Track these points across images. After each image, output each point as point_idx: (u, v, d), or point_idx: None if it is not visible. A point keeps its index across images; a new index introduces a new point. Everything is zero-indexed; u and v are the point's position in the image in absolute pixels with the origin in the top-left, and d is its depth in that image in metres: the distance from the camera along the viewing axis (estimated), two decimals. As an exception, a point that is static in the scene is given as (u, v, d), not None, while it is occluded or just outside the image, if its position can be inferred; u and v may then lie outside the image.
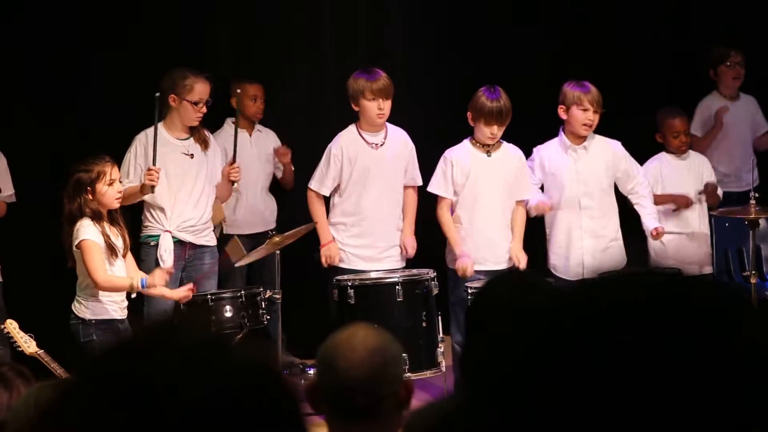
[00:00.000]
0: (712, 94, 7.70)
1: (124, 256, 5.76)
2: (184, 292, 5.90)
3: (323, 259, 6.52)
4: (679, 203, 6.91)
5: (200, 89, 6.31)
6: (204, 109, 6.34)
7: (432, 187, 6.54)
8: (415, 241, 6.56)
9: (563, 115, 6.54)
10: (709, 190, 6.98)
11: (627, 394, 0.91)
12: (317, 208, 6.57)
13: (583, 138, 6.56)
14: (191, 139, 6.43)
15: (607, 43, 7.80)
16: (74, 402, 1.06)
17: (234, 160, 6.58)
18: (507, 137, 6.53)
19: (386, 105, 6.43)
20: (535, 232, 6.64)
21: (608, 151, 6.63)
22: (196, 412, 1.02)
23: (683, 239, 6.96)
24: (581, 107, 6.48)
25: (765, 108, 7.78)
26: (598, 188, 6.60)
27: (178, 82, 6.30)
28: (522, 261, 6.42)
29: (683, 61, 7.95)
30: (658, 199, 6.86)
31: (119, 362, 1.07)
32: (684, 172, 6.95)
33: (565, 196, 6.54)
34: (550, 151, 6.62)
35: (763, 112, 7.78)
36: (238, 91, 6.86)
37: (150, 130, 6.25)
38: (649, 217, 6.66)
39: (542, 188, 6.67)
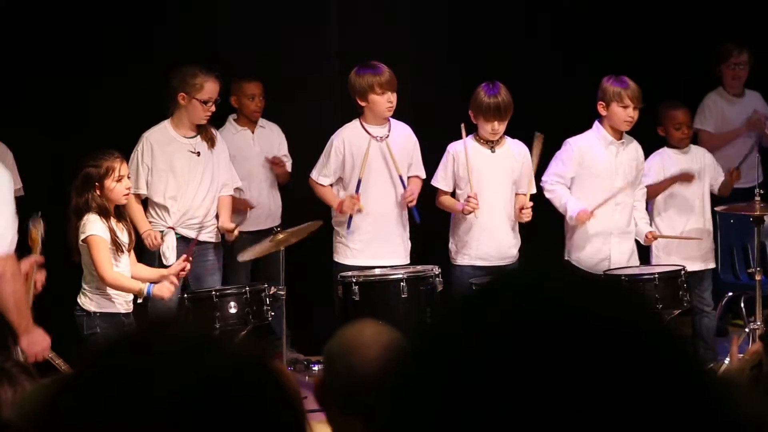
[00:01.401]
0: (717, 90, 7.70)
1: (129, 251, 5.77)
2: (177, 266, 5.88)
3: (347, 208, 6.42)
4: (681, 180, 6.86)
5: (210, 88, 6.33)
6: (213, 108, 6.36)
7: (434, 180, 6.56)
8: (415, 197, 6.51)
9: (603, 111, 6.53)
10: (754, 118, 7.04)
11: (526, 391, 0.92)
12: (320, 189, 6.56)
13: (621, 133, 6.57)
14: (198, 137, 6.44)
15: (613, 40, 7.78)
16: (65, 399, 1.07)
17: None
18: (518, 135, 6.54)
19: (394, 97, 6.45)
20: (552, 224, 6.62)
21: (639, 151, 6.68)
22: (185, 404, 1.03)
23: (685, 236, 6.94)
24: (621, 104, 6.48)
25: None
26: (631, 185, 6.61)
27: (189, 80, 6.31)
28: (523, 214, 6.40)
29: (690, 56, 7.94)
30: (659, 187, 6.84)
31: (112, 358, 1.07)
32: (686, 166, 6.92)
33: (601, 190, 6.51)
34: (587, 143, 6.59)
35: None
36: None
37: (158, 127, 6.29)
38: (643, 221, 6.68)
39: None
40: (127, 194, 5.75)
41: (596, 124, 6.60)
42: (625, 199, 6.61)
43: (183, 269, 5.88)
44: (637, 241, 6.73)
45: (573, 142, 6.59)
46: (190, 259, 5.93)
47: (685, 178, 6.85)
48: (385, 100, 6.41)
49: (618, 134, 6.59)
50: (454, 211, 6.55)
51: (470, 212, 6.40)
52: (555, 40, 7.80)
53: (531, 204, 6.47)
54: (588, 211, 6.46)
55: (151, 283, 5.73)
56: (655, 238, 6.69)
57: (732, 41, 7.68)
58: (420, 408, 0.96)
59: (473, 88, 6.50)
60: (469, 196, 6.39)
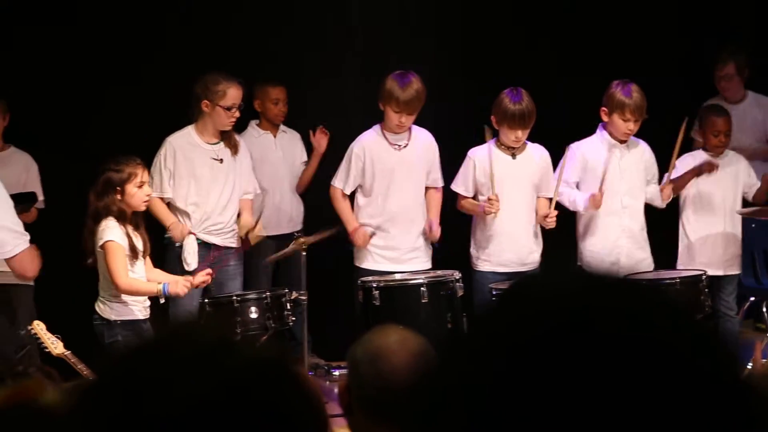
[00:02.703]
0: (717, 96, 7.52)
1: (144, 257, 5.78)
2: (202, 277, 5.91)
3: (358, 242, 6.46)
4: (704, 170, 6.76)
5: (233, 94, 6.34)
6: (237, 114, 6.37)
7: (454, 185, 6.56)
8: (440, 228, 6.53)
9: (605, 117, 6.50)
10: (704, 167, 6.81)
11: (565, 393, 0.92)
12: (340, 203, 6.56)
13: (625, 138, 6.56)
14: (221, 143, 6.45)
15: (622, 42, 7.74)
16: (85, 407, 1.07)
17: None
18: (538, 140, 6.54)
19: (408, 120, 6.43)
20: (566, 229, 6.61)
21: (646, 152, 6.63)
22: (205, 410, 1.03)
23: (710, 240, 6.90)
24: (623, 117, 6.44)
25: None
26: (638, 188, 6.58)
27: (211, 87, 6.32)
28: (548, 221, 6.36)
29: (692, 61, 7.83)
30: (682, 182, 6.77)
31: (131, 365, 1.07)
32: (719, 171, 6.87)
33: (607, 194, 6.47)
34: (590, 147, 6.56)
35: None
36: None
37: (181, 132, 6.31)
38: (653, 188, 6.60)
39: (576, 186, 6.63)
40: (147, 201, 5.76)
41: (599, 127, 6.58)
42: (633, 202, 6.58)
43: (204, 281, 5.91)
44: (655, 244, 6.69)
45: (576, 146, 6.58)
46: (213, 275, 5.96)
47: (708, 168, 6.74)
48: (396, 119, 6.39)
49: (622, 139, 6.56)
50: (475, 213, 6.54)
51: (491, 213, 6.38)
52: (571, 44, 7.78)
53: (556, 212, 6.45)
54: (596, 194, 6.41)
55: (165, 282, 5.74)
56: (671, 185, 6.56)
57: (725, 50, 7.47)
58: (453, 417, 0.95)
59: (493, 92, 6.49)
60: (489, 198, 6.38)
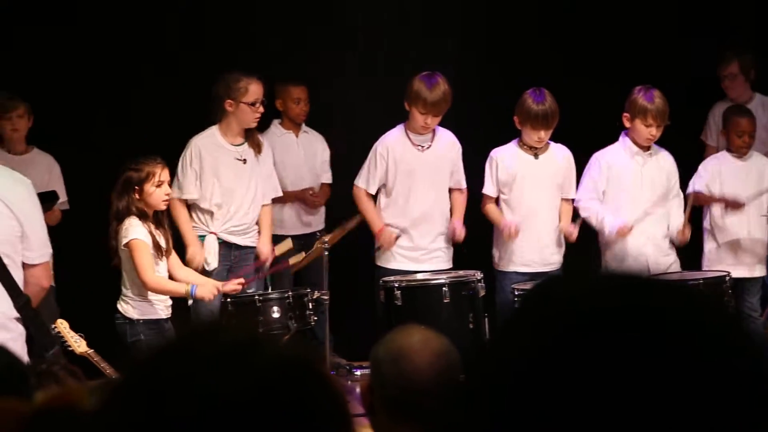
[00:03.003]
0: (724, 99, 7.40)
1: (167, 256, 5.80)
2: (233, 285, 5.93)
3: (383, 245, 6.46)
4: (729, 206, 6.76)
5: (255, 90, 6.34)
6: (261, 110, 6.37)
7: (484, 188, 6.54)
8: (464, 230, 6.53)
9: (627, 123, 6.47)
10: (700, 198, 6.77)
11: (600, 392, 0.91)
12: (365, 204, 6.56)
13: (648, 145, 6.53)
14: (245, 144, 6.45)
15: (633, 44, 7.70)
16: (109, 407, 1.07)
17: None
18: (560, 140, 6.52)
19: (434, 122, 6.43)
20: (590, 230, 6.58)
21: (668, 161, 6.60)
22: (230, 409, 1.02)
23: (735, 242, 6.86)
24: (645, 122, 6.41)
25: None
26: (662, 195, 6.55)
27: (233, 86, 6.32)
28: (571, 235, 6.36)
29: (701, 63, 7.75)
30: (710, 199, 6.77)
31: (156, 364, 1.07)
32: (743, 173, 6.82)
33: (630, 202, 6.45)
34: (613, 155, 6.54)
35: None
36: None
37: (206, 133, 6.32)
38: (675, 225, 6.55)
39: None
40: (167, 200, 5.76)
41: (622, 134, 6.55)
42: (658, 210, 6.55)
43: (234, 290, 5.92)
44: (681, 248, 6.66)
45: (600, 155, 6.55)
46: (245, 286, 5.97)
47: (734, 206, 6.69)
48: (422, 120, 6.39)
49: (644, 146, 6.53)
50: (496, 225, 6.54)
51: (509, 239, 6.37)
52: (596, 45, 7.75)
53: (575, 230, 6.43)
54: (628, 224, 6.39)
55: (194, 285, 5.75)
56: (684, 233, 6.53)
57: (728, 50, 7.35)
58: (477, 418, 0.95)
59: (516, 92, 6.48)
60: (516, 229, 6.36)
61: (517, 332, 0.98)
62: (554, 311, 0.96)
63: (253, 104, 6.33)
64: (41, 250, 4.20)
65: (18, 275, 4.12)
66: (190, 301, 5.80)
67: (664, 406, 0.90)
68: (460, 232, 6.51)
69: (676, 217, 6.59)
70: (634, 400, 0.91)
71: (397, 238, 6.47)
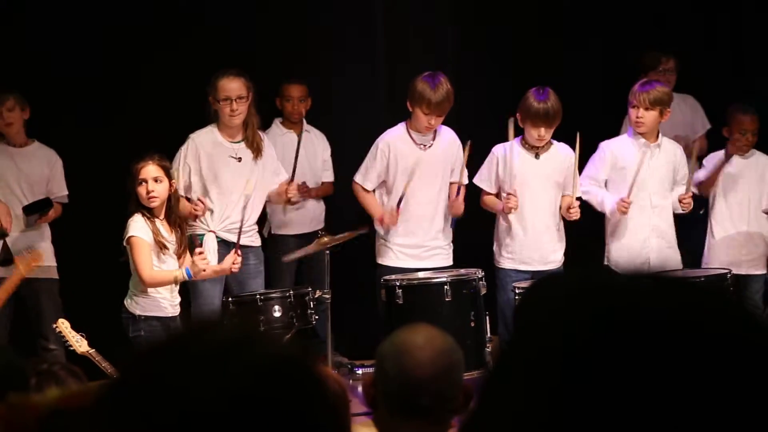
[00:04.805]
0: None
1: (179, 256, 5.80)
2: (229, 263, 5.93)
3: (389, 225, 6.45)
4: (727, 157, 6.76)
5: (223, 86, 6.31)
6: (234, 106, 6.32)
7: (476, 179, 6.56)
8: (463, 203, 6.51)
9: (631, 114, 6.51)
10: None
11: (631, 393, 0.91)
12: (364, 196, 6.57)
13: (656, 135, 6.51)
14: (242, 143, 6.45)
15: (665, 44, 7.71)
16: (105, 406, 1.07)
17: (293, 179, 6.55)
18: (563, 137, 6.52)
19: (437, 122, 6.44)
20: (591, 229, 6.58)
21: (676, 153, 6.61)
22: (222, 407, 1.02)
23: (736, 240, 6.87)
24: (631, 105, 6.45)
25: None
26: (668, 187, 6.56)
27: (212, 83, 6.36)
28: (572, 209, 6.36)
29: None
30: (708, 181, 6.77)
31: (151, 362, 1.07)
32: (746, 171, 6.84)
33: (636, 192, 6.46)
34: (620, 146, 6.56)
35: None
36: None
37: (204, 130, 6.32)
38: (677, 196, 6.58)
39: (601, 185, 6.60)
40: (151, 197, 5.71)
41: (630, 127, 6.58)
42: (663, 201, 6.55)
43: (234, 261, 5.91)
44: (682, 243, 6.67)
45: (606, 145, 6.57)
46: (239, 253, 5.96)
47: (730, 151, 6.74)
48: (425, 120, 6.40)
49: (652, 137, 6.53)
50: (496, 210, 6.54)
51: (510, 210, 6.37)
52: (602, 41, 7.75)
53: (578, 203, 6.44)
54: (626, 199, 6.39)
55: (187, 267, 5.77)
56: (687, 196, 6.52)
57: (656, 48, 7.38)
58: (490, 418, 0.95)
59: (520, 90, 6.48)
60: (508, 194, 6.38)
61: (528, 323, 0.97)
62: (561, 311, 0.96)
63: (225, 100, 6.31)
64: None
65: None
66: (177, 287, 5.80)
67: (699, 404, 0.91)
68: (460, 199, 6.48)
69: (679, 192, 6.58)
70: (672, 398, 0.91)
71: (398, 208, 6.44)
